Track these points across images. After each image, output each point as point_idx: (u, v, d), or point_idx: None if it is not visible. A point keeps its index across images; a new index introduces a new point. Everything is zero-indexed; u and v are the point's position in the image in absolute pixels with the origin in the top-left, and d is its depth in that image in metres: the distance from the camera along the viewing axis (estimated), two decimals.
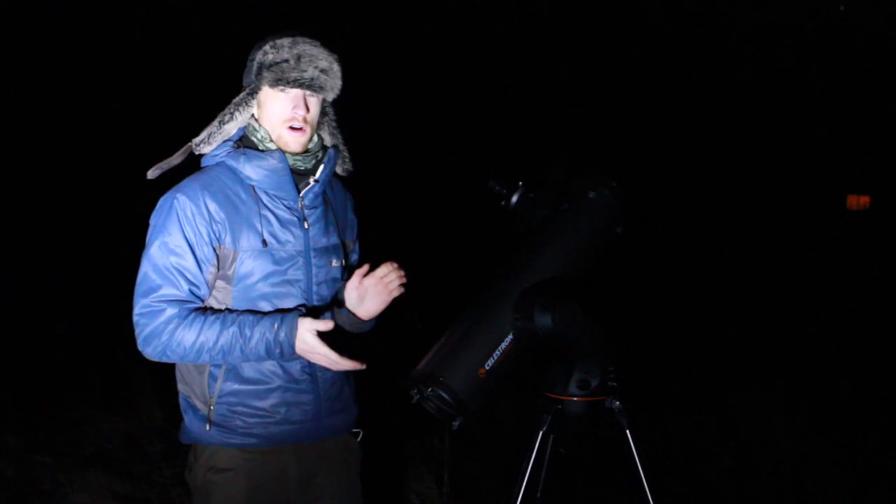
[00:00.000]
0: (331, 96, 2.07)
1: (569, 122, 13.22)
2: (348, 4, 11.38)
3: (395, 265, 2.01)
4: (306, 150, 2.06)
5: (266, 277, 2.00)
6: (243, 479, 2.03)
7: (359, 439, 2.22)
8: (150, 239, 1.98)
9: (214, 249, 1.97)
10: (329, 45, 2.05)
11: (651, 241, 9.64)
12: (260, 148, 2.04)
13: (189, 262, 1.94)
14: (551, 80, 13.67)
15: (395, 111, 11.22)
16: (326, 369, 2.06)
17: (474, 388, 1.96)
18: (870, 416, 4.98)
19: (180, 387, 2.09)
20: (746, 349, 6.69)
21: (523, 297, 1.97)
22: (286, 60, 1.97)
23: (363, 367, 1.92)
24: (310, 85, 1.99)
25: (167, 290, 1.93)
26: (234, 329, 1.91)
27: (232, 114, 2.04)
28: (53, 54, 11.01)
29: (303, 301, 2.04)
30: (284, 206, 2.03)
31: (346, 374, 2.16)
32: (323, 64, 2.00)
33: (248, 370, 2.01)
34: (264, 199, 2.02)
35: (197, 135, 2.06)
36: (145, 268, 1.95)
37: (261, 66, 1.99)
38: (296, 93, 2.00)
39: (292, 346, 1.90)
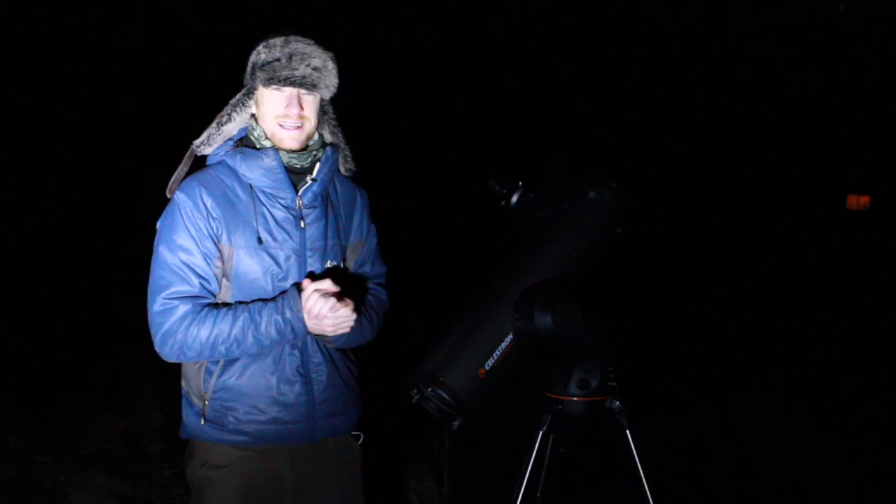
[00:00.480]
0: (327, 94, 2.07)
1: (569, 122, 13.22)
2: (348, 5, 11.38)
3: (313, 285, 1.94)
4: (304, 148, 2.06)
5: (262, 275, 2.01)
6: (237, 477, 2.03)
7: (360, 442, 2.21)
8: (158, 240, 2.01)
9: (216, 244, 1.99)
10: (324, 43, 2.05)
11: (651, 240, 9.64)
12: (257, 146, 2.05)
13: (197, 258, 1.97)
14: (551, 80, 13.67)
15: (395, 111, 11.22)
16: (320, 370, 2.06)
17: (474, 388, 1.96)
18: (870, 416, 4.97)
19: (182, 382, 2.12)
20: (746, 349, 6.69)
21: (523, 297, 1.97)
22: (278, 59, 1.98)
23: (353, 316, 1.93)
24: (301, 83, 1.99)
25: (179, 287, 1.95)
26: (244, 316, 1.93)
27: (230, 115, 2.07)
28: (53, 54, 11.01)
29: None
30: (281, 204, 2.04)
31: (350, 375, 2.16)
32: (316, 62, 2.00)
33: (241, 368, 2.02)
34: (262, 197, 2.03)
35: (197, 136, 2.08)
36: (155, 268, 1.98)
37: (254, 66, 2.01)
38: (290, 91, 2.01)
39: (301, 322, 1.92)
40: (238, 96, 2.08)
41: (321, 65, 2.01)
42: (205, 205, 1.98)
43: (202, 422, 2.03)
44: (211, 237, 1.98)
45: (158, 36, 11.31)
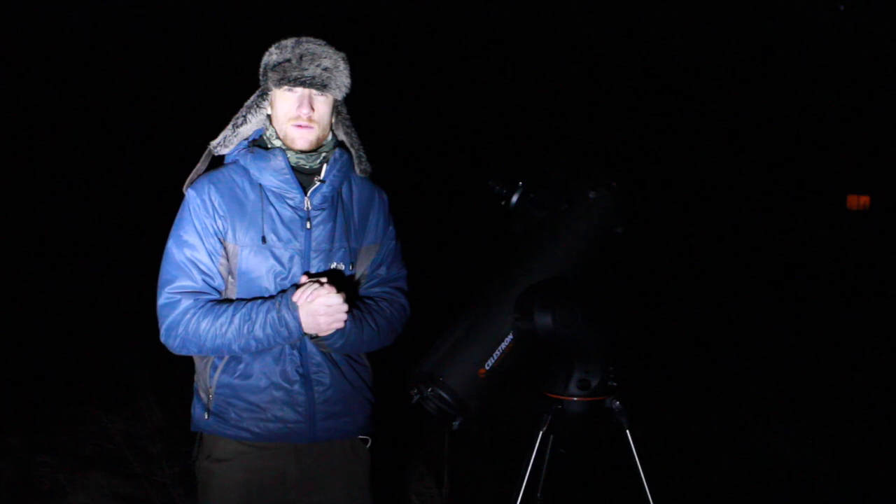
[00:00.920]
0: (339, 94, 2.07)
1: (569, 122, 13.22)
2: (348, 4, 11.38)
3: (308, 280, 1.97)
4: (316, 149, 2.07)
5: (266, 274, 2.02)
6: (239, 471, 2.06)
7: (368, 446, 2.20)
8: (169, 235, 2.05)
9: (221, 242, 2.02)
10: (336, 44, 2.06)
11: (651, 240, 9.64)
12: (267, 146, 2.07)
13: (202, 254, 2.00)
14: (551, 80, 13.67)
15: (395, 111, 11.22)
16: (321, 372, 2.06)
17: (474, 388, 1.96)
18: (870, 416, 4.98)
19: (195, 376, 2.15)
20: (746, 349, 6.69)
21: (523, 297, 1.97)
22: (288, 60, 1.99)
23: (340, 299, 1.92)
24: (311, 83, 2.00)
25: (182, 282, 1.99)
26: (242, 313, 1.95)
27: (244, 116, 2.11)
28: (53, 54, 11.01)
29: None
30: (289, 205, 2.05)
31: (359, 378, 2.15)
32: (326, 62, 2.01)
33: (244, 365, 2.03)
34: (270, 197, 2.04)
35: (213, 136, 2.11)
36: (164, 262, 2.03)
37: (266, 67, 2.03)
38: (301, 92, 2.02)
39: (297, 320, 1.93)
40: (252, 98, 2.11)
41: (332, 65, 2.02)
42: (212, 202, 2.01)
43: (206, 416, 2.07)
44: (216, 234, 2.01)
45: (158, 36, 11.31)
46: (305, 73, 1.99)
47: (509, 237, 2.15)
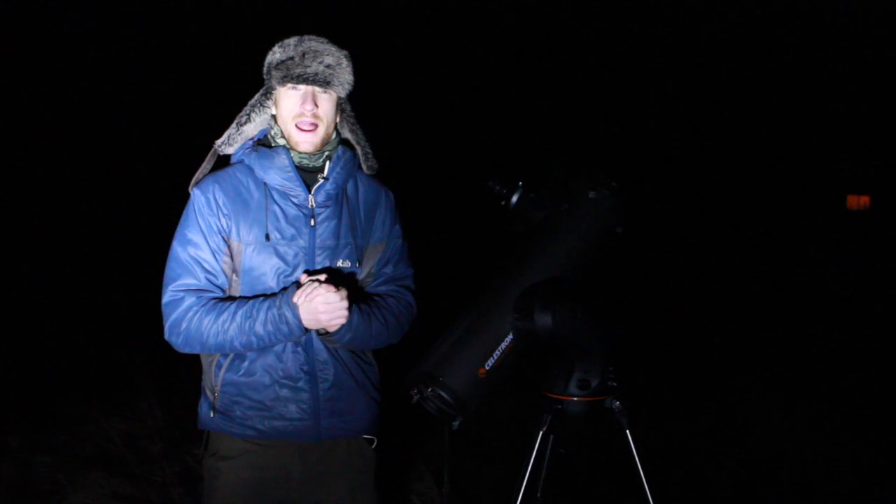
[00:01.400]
0: (342, 92, 2.08)
1: (569, 122, 13.22)
2: (348, 4, 11.38)
3: (307, 278, 1.97)
4: (320, 149, 2.07)
5: (270, 272, 2.03)
6: (244, 470, 2.07)
7: (373, 447, 2.20)
8: (175, 233, 2.06)
9: (225, 240, 2.03)
10: (339, 42, 2.07)
11: (651, 240, 9.64)
12: (271, 145, 2.08)
13: (205, 253, 2.02)
14: (551, 80, 13.66)
15: (395, 111, 11.23)
16: (326, 369, 2.06)
17: (474, 388, 1.96)
18: (870, 416, 4.97)
19: (202, 375, 2.16)
20: (747, 349, 6.69)
21: (523, 297, 1.97)
22: (291, 58, 2.01)
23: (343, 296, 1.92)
24: (314, 80, 2.01)
25: (185, 280, 2.01)
26: (244, 310, 1.97)
27: (248, 115, 2.12)
28: (54, 54, 11.01)
29: None
30: (293, 203, 2.06)
31: (365, 377, 2.16)
32: (329, 60, 2.02)
33: (248, 363, 2.04)
34: (275, 195, 2.05)
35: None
36: (168, 260, 2.05)
37: (269, 66, 2.05)
38: (305, 90, 2.03)
39: (297, 317, 1.93)
40: (256, 97, 2.12)
41: (335, 62, 2.03)
42: (216, 201, 2.02)
43: (212, 413, 2.08)
44: (220, 233, 2.02)
45: (159, 36, 11.31)
46: (308, 70, 2.00)
47: (509, 237, 2.15)
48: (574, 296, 1.97)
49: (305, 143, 2.04)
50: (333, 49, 2.05)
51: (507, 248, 2.15)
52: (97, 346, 6.12)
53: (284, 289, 2.01)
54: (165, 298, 2.02)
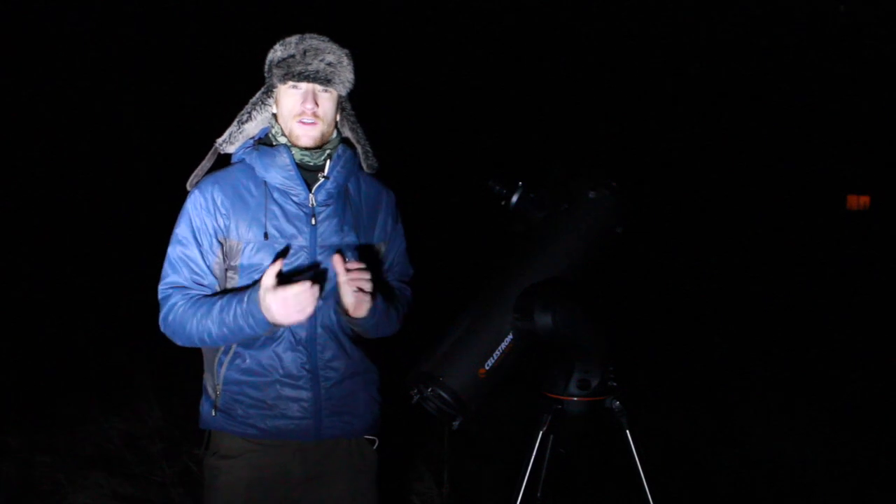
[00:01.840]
0: (343, 90, 2.08)
1: (569, 122, 13.22)
2: (348, 4, 11.38)
3: (354, 265, 1.99)
4: (321, 146, 2.07)
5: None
6: (245, 469, 2.06)
7: (375, 447, 2.20)
8: (173, 231, 2.09)
9: (219, 241, 2.03)
10: (339, 42, 2.07)
11: (651, 240, 9.64)
12: (273, 144, 2.08)
13: (193, 252, 2.03)
14: (551, 80, 13.66)
15: (395, 111, 11.23)
16: (330, 368, 2.06)
17: (474, 388, 1.95)
18: (870, 416, 4.98)
19: (203, 374, 2.17)
20: (746, 348, 6.69)
21: (523, 297, 1.97)
22: (293, 56, 2.01)
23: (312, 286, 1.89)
24: (315, 77, 2.01)
25: (173, 278, 2.05)
26: (220, 304, 1.98)
27: (249, 113, 2.12)
28: (54, 54, 11.01)
29: None
30: (294, 201, 2.06)
31: (362, 377, 2.16)
32: (330, 58, 2.03)
33: (249, 361, 2.05)
34: (275, 194, 2.05)
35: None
36: (166, 257, 2.07)
37: (271, 64, 2.05)
38: (306, 88, 2.03)
39: (260, 312, 1.90)
40: (258, 95, 2.12)
41: (336, 60, 2.03)
42: (214, 201, 2.03)
43: (214, 412, 2.08)
44: (215, 233, 2.03)
45: (159, 36, 11.31)
46: (309, 68, 2.00)
47: (509, 237, 2.15)
48: (574, 296, 1.97)
49: (306, 136, 2.04)
50: (335, 47, 2.05)
51: (507, 248, 2.15)
52: (97, 346, 6.12)
53: (256, 282, 1.99)
54: (159, 295, 2.07)
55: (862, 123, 14.42)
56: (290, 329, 2.03)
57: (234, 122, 2.12)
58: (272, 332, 2.00)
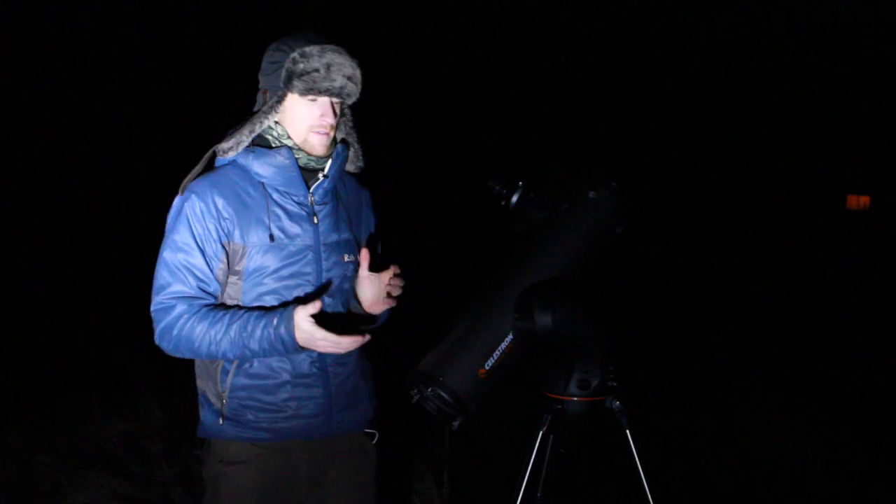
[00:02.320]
0: (352, 101, 2.08)
1: (569, 122, 13.22)
2: (348, 4, 11.38)
3: (393, 271, 2.04)
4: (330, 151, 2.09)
5: (275, 272, 2.02)
6: (254, 473, 2.05)
7: (374, 441, 2.21)
8: (164, 239, 2.03)
9: (224, 246, 2.00)
10: (349, 49, 2.05)
11: (651, 240, 9.64)
12: (273, 146, 2.06)
13: (197, 260, 1.98)
14: (551, 80, 13.66)
15: (395, 111, 11.24)
16: (338, 363, 2.07)
17: (474, 388, 1.96)
18: (870, 416, 4.97)
19: (198, 382, 2.13)
20: (747, 348, 6.69)
21: (523, 297, 1.97)
22: (317, 70, 1.97)
23: (366, 338, 1.90)
24: (338, 93, 2.01)
25: (176, 287, 1.97)
26: (239, 324, 1.93)
27: (262, 122, 2.04)
28: (54, 54, 11.01)
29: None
30: (294, 201, 2.05)
31: (362, 370, 2.17)
32: (348, 71, 2.01)
33: (258, 365, 2.03)
34: (274, 195, 2.04)
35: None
36: (158, 266, 2.01)
37: (291, 75, 1.98)
38: (323, 100, 2.02)
39: (293, 339, 1.91)
40: (271, 103, 2.02)
41: (352, 73, 2.02)
42: (215, 205, 1.98)
43: (221, 421, 2.04)
44: (219, 238, 1.99)
45: (159, 36, 11.31)
46: (335, 85, 1.99)
47: (509, 237, 2.15)
48: (574, 296, 1.97)
49: (321, 146, 2.05)
50: (349, 59, 2.02)
51: (507, 248, 2.15)
52: (97, 346, 6.12)
53: (284, 304, 1.99)
54: (155, 305, 1.99)
55: (862, 123, 14.42)
56: None
57: (244, 130, 2.02)
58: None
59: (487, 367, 1.95)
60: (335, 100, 2.03)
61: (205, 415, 2.10)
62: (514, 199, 2.10)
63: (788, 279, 10.26)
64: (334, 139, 2.13)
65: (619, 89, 13.93)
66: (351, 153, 2.20)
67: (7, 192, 10.12)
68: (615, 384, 2.06)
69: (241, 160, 2.04)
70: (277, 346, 1.92)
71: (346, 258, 2.12)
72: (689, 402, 5.19)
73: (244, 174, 2.04)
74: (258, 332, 1.92)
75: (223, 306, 2.01)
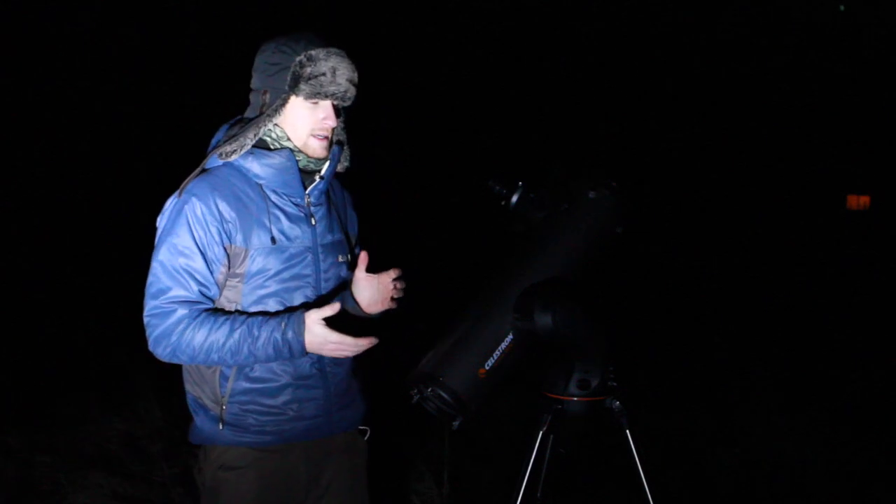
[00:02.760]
0: (350, 103, 2.08)
1: (569, 122, 13.22)
2: (348, 4, 11.38)
3: (399, 272, 2.08)
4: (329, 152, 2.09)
5: (276, 274, 2.01)
6: (254, 477, 2.04)
7: (366, 437, 2.22)
8: (159, 241, 1.99)
9: (225, 249, 1.98)
10: (349, 49, 2.05)
11: (651, 240, 9.64)
12: (272, 147, 2.04)
13: (198, 264, 1.95)
14: (551, 80, 13.66)
15: (395, 111, 11.23)
16: (336, 363, 2.08)
17: (474, 388, 1.96)
18: (870, 416, 4.97)
19: (188, 387, 2.10)
20: (747, 348, 6.69)
21: (523, 297, 1.97)
22: (323, 74, 1.97)
23: (377, 340, 1.91)
24: (343, 97, 2.01)
25: (177, 292, 1.94)
26: (242, 329, 1.92)
27: (265, 125, 2.01)
28: (54, 54, 11.01)
29: (312, 297, 2.06)
30: (292, 203, 2.05)
31: (353, 369, 2.17)
32: (350, 74, 2.02)
33: (258, 369, 2.02)
34: (272, 197, 2.03)
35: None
36: (155, 270, 1.96)
37: (298, 78, 1.96)
38: (326, 103, 2.01)
39: (301, 344, 1.91)
40: (275, 106, 1.99)
41: (353, 76, 2.03)
42: (217, 209, 1.96)
43: (220, 426, 2.02)
44: (221, 242, 1.96)
45: (159, 36, 11.31)
46: (340, 89, 1.99)
47: (509, 237, 2.15)
48: (574, 296, 1.97)
49: (322, 149, 2.05)
50: (349, 62, 2.02)
51: (507, 248, 2.15)
52: (97, 346, 6.11)
53: (290, 310, 1.99)
54: (151, 310, 1.94)
55: (862, 123, 14.42)
56: None
57: (249, 134, 1.99)
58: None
59: (487, 367, 1.95)
60: (335, 101, 2.03)
61: (200, 420, 2.07)
62: (514, 199, 2.10)
63: (788, 279, 10.26)
64: (331, 140, 2.14)
65: (619, 89, 13.93)
66: (345, 153, 2.20)
67: (7, 192, 10.11)
68: (615, 384, 2.07)
69: (238, 161, 2.02)
70: (283, 351, 1.92)
71: (341, 259, 2.13)
72: (689, 402, 5.19)
73: (240, 175, 2.01)
74: (264, 337, 1.91)
75: (222, 311, 1.99)
